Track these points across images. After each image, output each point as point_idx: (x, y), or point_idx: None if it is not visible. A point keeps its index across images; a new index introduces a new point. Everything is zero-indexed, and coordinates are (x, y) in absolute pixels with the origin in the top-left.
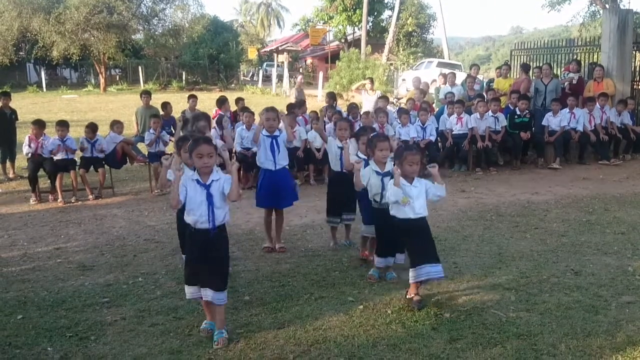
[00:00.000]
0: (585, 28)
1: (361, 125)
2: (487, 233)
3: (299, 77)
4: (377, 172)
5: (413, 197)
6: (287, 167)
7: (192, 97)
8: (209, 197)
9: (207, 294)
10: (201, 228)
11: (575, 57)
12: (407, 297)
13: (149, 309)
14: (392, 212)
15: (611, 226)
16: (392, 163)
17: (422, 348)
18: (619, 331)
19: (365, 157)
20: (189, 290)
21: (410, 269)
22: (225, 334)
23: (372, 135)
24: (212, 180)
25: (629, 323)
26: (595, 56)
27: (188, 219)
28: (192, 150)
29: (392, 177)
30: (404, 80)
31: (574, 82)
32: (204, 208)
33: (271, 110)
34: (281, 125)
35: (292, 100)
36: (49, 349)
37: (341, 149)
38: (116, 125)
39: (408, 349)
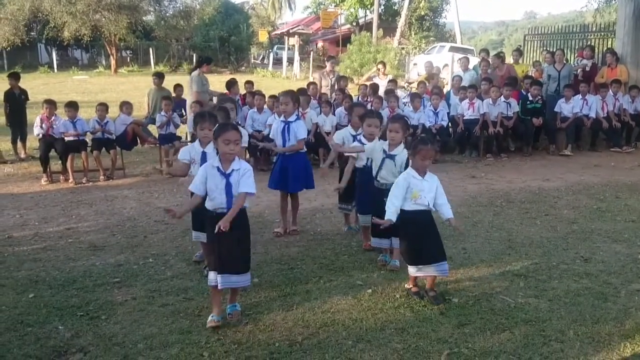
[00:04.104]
0: (599, 14)
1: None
2: (497, 219)
3: (329, 64)
4: (384, 150)
5: (424, 191)
6: (302, 153)
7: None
8: (228, 186)
9: (224, 280)
10: (221, 213)
11: (589, 43)
12: (411, 289)
13: (159, 290)
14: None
15: (622, 214)
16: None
17: (430, 332)
18: (628, 318)
19: (365, 143)
20: (212, 277)
21: (416, 266)
22: (238, 307)
23: (390, 116)
24: (233, 170)
25: (638, 311)
26: (610, 42)
27: (209, 204)
28: (219, 135)
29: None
30: (415, 64)
31: (587, 68)
32: (223, 196)
33: (285, 94)
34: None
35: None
36: (60, 327)
37: (354, 137)
38: (125, 106)
39: (416, 333)
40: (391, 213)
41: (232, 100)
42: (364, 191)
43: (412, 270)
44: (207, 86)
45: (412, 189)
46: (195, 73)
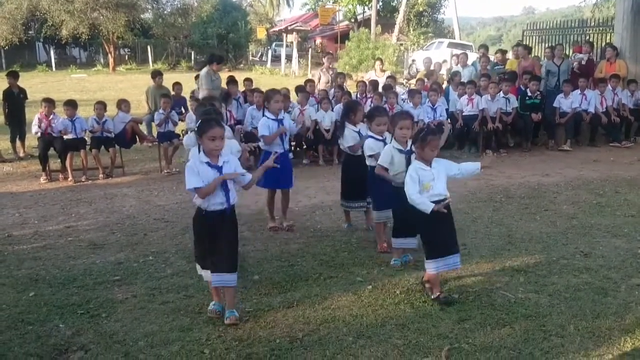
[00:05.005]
0: (598, 9)
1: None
2: (497, 215)
3: (327, 60)
4: (400, 150)
5: (434, 179)
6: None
7: (198, 78)
8: (223, 180)
9: (218, 278)
10: (215, 209)
11: (587, 37)
12: (432, 295)
13: (159, 287)
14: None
15: (621, 209)
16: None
17: (430, 328)
18: (628, 313)
19: (381, 139)
20: (207, 274)
21: (430, 260)
22: (236, 313)
23: (396, 113)
24: (224, 162)
25: (638, 305)
26: (608, 37)
27: (199, 201)
28: (204, 132)
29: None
30: (414, 60)
31: (583, 62)
32: (219, 190)
33: (278, 92)
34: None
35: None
36: (60, 325)
37: (358, 132)
38: (123, 104)
39: (416, 328)
40: (426, 204)
41: (218, 98)
42: (381, 188)
43: (432, 266)
44: (218, 82)
45: (423, 181)
46: (204, 70)
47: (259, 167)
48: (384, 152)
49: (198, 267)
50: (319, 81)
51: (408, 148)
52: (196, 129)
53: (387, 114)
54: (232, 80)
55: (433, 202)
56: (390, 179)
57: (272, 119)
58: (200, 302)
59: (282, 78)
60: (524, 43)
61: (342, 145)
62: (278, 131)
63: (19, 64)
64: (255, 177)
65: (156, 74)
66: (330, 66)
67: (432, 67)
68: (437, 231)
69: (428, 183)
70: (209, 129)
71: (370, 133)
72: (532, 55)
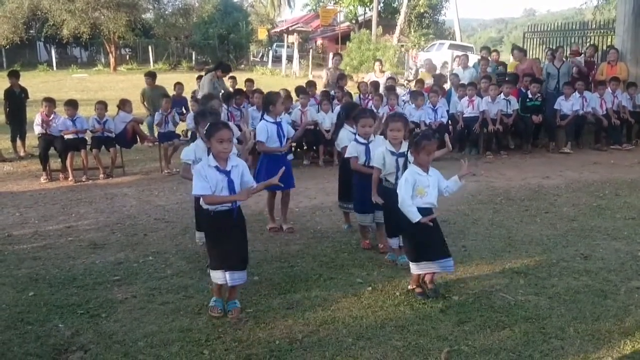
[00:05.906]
0: (599, 11)
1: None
2: (497, 217)
3: (335, 58)
4: (392, 152)
5: (430, 187)
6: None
7: (200, 78)
8: (231, 183)
9: (233, 276)
10: (223, 210)
11: (588, 40)
12: (414, 289)
13: (159, 288)
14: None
15: (621, 211)
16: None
17: (430, 330)
18: (628, 316)
19: (365, 142)
20: (218, 276)
21: (417, 263)
22: (238, 304)
23: (389, 114)
24: (232, 166)
25: (638, 308)
26: (609, 39)
27: (209, 205)
28: (213, 134)
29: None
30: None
31: (582, 66)
32: (226, 194)
33: (279, 94)
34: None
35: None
36: (60, 325)
37: (355, 134)
38: (125, 104)
39: (416, 330)
40: (414, 213)
41: (217, 97)
42: (364, 191)
43: (414, 268)
44: (219, 89)
45: (418, 186)
46: (208, 76)
47: (258, 172)
48: (377, 154)
49: (214, 273)
50: (327, 81)
51: (401, 150)
52: (205, 131)
53: (373, 115)
54: (239, 91)
55: (423, 208)
56: (367, 171)
57: (271, 122)
58: (200, 302)
59: (282, 79)
60: (525, 45)
61: (337, 147)
62: (278, 149)
63: (20, 63)
64: (257, 189)
65: (149, 76)
66: (337, 67)
67: (437, 71)
68: (420, 235)
69: (423, 189)
70: (217, 131)
71: (356, 136)
72: (529, 57)
